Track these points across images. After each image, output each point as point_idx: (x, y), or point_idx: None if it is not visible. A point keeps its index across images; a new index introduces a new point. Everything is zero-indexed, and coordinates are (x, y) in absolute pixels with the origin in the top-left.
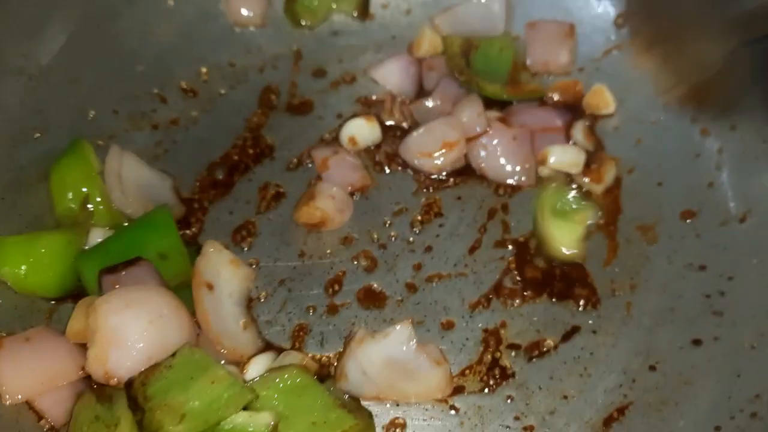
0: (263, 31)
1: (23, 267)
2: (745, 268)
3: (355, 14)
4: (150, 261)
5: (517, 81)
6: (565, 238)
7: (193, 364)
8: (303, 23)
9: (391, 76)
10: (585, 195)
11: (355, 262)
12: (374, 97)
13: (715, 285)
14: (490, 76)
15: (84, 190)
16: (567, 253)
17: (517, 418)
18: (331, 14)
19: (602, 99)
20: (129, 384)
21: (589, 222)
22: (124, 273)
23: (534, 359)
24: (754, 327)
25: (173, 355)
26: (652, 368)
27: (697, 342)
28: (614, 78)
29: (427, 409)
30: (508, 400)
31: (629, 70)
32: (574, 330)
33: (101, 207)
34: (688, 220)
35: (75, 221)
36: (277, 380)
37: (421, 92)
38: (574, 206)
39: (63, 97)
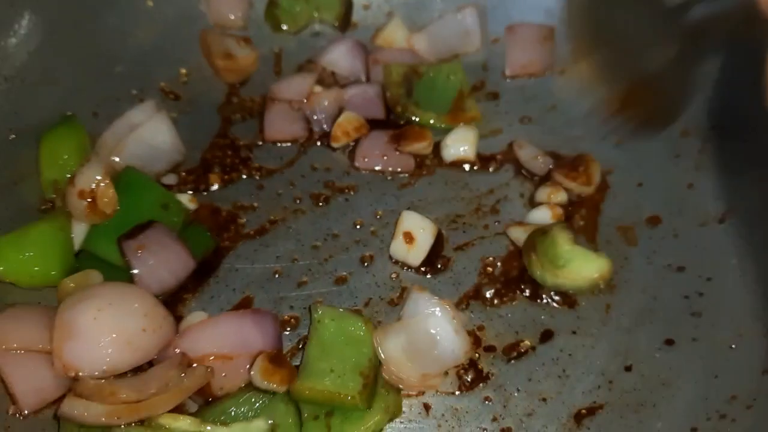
0: (244, 33)
1: (20, 263)
2: (724, 269)
3: (336, 24)
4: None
5: (459, 108)
6: (584, 272)
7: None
8: (284, 28)
9: (339, 59)
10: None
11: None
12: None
13: (694, 286)
14: (432, 104)
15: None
16: (594, 276)
17: (494, 420)
18: (312, 22)
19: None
20: None
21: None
22: (142, 235)
23: (512, 360)
24: (733, 327)
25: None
26: (630, 369)
27: (675, 343)
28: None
29: (404, 412)
30: (486, 402)
31: None
32: (553, 331)
33: None
34: (667, 221)
35: (59, 193)
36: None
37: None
38: (559, 243)
39: (39, 99)
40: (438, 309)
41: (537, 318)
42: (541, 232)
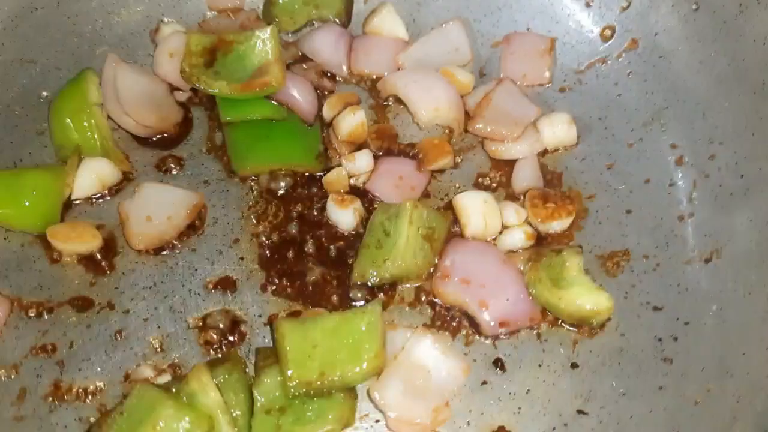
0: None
1: (9, 203)
2: (703, 314)
3: (338, 21)
4: None
5: (259, 76)
6: (588, 300)
7: (143, 406)
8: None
9: (321, 48)
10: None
11: None
12: (305, 66)
13: (670, 328)
14: (237, 74)
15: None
16: (588, 309)
17: None
18: (311, 20)
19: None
20: None
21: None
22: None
23: (469, 390)
24: (702, 381)
25: (125, 397)
26: (588, 414)
27: (640, 390)
28: (596, 93)
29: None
30: None
31: (612, 85)
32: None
33: (96, 136)
34: (651, 255)
35: (72, 152)
36: None
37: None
38: (567, 266)
39: (13, 77)
40: (415, 338)
41: (499, 347)
42: (554, 249)
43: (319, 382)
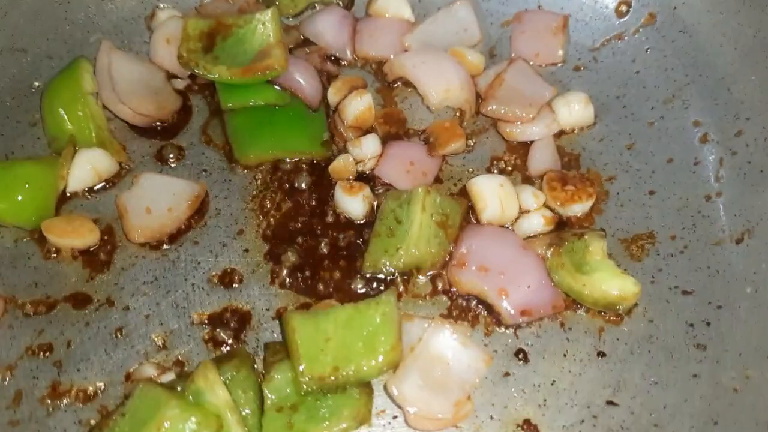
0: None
1: (1, 197)
2: (737, 297)
3: (340, 3)
4: None
5: (261, 59)
6: (606, 286)
7: (146, 406)
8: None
9: (324, 31)
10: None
11: None
12: (307, 50)
13: (702, 313)
14: (237, 59)
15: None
16: (614, 295)
17: None
18: (312, 3)
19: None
20: None
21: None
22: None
23: (491, 382)
24: (739, 367)
25: (127, 397)
26: (619, 405)
27: (673, 378)
28: (613, 70)
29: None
30: (454, 429)
31: (629, 62)
32: (536, 353)
33: (91, 126)
34: (677, 237)
35: (66, 143)
36: None
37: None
38: (590, 251)
39: (3, 67)
40: (433, 329)
41: (522, 336)
42: (575, 233)
43: (332, 377)
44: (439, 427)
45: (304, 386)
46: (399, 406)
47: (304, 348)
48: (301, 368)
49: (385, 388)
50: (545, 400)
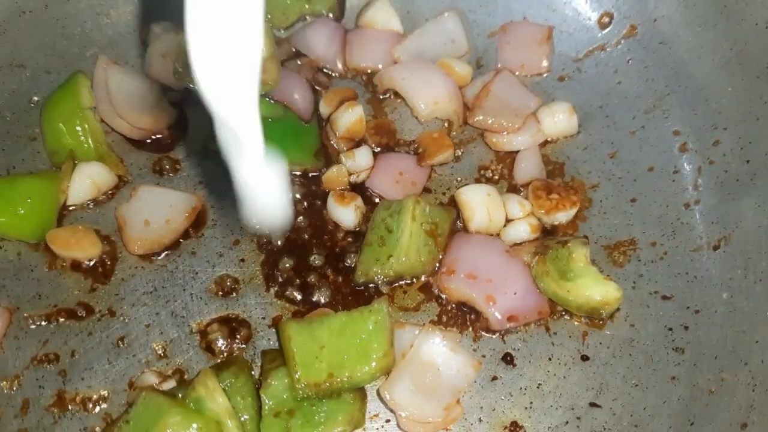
0: None
1: (3, 211)
2: (714, 302)
3: (331, 15)
4: None
5: None
6: (596, 291)
7: (149, 413)
8: (273, 23)
9: (315, 43)
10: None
11: None
12: (299, 62)
13: (680, 318)
14: None
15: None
16: (597, 300)
17: None
18: (303, 15)
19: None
20: None
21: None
22: None
23: (480, 386)
24: (716, 370)
25: (131, 405)
26: (601, 406)
27: (653, 381)
28: (596, 81)
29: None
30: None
31: (612, 73)
32: (520, 357)
33: (90, 140)
34: (658, 244)
35: (66, 157)
36: None
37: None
38: (574, 258)
39: (3, 83)
40: (423, 336)
41: (509, 340)
42: (560, 241)
43: (327, 384)
44: (429, 430)
45: (300, 392)
46: (391, 410)
47: (299, 356)
48: (297, 375)
49: (378, 392)
50: (531, 403)
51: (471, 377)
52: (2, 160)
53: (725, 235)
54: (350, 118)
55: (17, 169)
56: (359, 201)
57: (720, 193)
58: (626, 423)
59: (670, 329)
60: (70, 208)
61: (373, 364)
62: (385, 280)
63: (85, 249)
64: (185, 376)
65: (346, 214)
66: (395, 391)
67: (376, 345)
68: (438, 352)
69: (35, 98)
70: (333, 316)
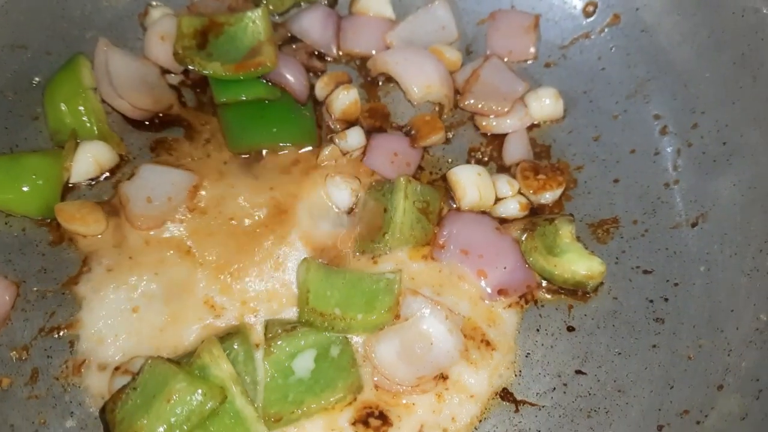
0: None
1: (9, 188)
2: (692, 275)
3: (325, 2)
4: None
5: (252, 56)
6: (581, 265)
7: (155, 380)
8: (270, 8)
9: (310, 28)
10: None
11: None
12: (294, 47)
13: (660, 290)
14: (230, 55)
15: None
16: (582, 274)
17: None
18: (298, 1)
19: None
20: (102, 411)
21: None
22: None
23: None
24: (694, 338)
25: (138, 373)
26: (587, 374)
27: (635, 349)
28: (580, 67)
29: None
30: (437, 398)
31: (596, 60)
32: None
33: (91, 119)
34: (639, 222)
35: (69, 136)
36: None
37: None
38: (560, 234)
39: (5, 63)
40: (431, 310)
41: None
42: (547, 219)
43: (331, 316)
44: (395, 390)
45: (305, 315)
46: (370, 359)
47: (314, 286)
48: (308, 297)
49: (365, 341)
50: (520, 371)
51: (456, 360)
52: (5, 138)
53: (703, 212)
54: (345, 100)
55: (20, 147)
56: (355, 184)
57: (698, 174)
58: (610, 388)
59: (651, 301)
60: (73, 185)
61: (374, 316)
62: (381, 254)
63: (89, 224)
64: None
65: (341, 194)
66: (381, 347)
67: (383, 300)
68: (438, 329)
69: (36, 79)
70: (351, 271)
